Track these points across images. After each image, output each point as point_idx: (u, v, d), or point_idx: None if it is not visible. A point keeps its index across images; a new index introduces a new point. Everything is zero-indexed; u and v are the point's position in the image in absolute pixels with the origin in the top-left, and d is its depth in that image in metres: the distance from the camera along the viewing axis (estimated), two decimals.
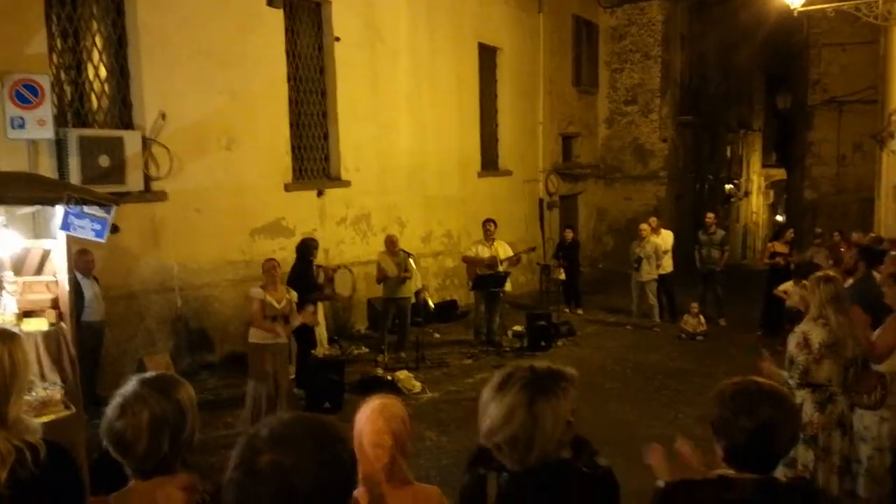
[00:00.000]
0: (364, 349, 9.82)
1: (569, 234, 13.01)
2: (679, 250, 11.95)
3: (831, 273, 4.47)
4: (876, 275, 6.12)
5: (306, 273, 8.10)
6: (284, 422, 1.30)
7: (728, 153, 23.88)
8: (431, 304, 10.57)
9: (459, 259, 11.15)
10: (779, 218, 30.08)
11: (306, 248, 8.18)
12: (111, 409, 1.86)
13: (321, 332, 9.28)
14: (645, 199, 17.74)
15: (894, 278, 4.84)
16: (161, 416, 1.83)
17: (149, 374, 1.96)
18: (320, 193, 10.20)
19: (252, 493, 1.23)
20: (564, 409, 1.91)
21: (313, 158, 10.32)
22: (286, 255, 8.99)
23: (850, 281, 6.38)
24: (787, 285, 9.87)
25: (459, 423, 7.01)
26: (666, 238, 11.80)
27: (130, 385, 1.89)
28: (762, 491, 2.03)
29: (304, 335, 8.10)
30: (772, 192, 31.68)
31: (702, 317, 11.05)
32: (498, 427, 1.90)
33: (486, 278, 9.82)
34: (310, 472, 1.24)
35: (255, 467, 1.23)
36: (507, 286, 10.18)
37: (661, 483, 2.19)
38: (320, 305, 8.90)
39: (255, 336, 6.58)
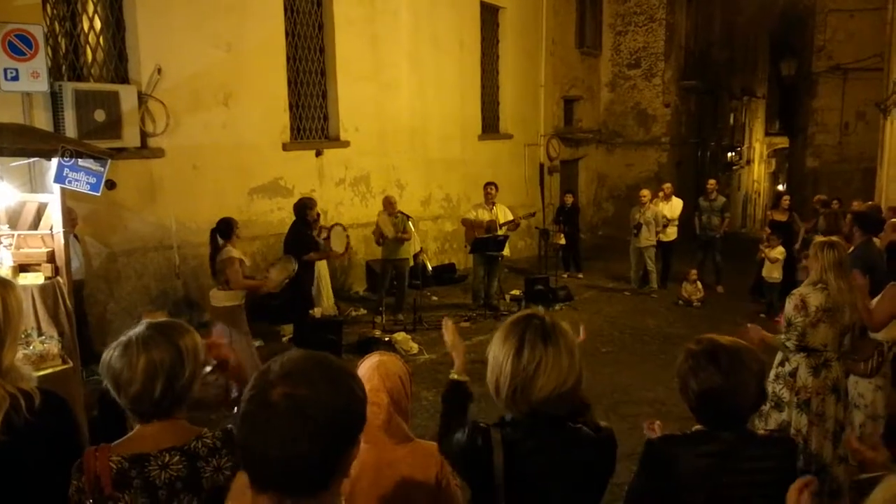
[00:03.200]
0: (362, 311, 9.84)
1: (569, 199, 12.96)
2: (679, 216, 11.91)
3: (835, 239, 4.44)
4: (876, 241, 6.09)
5: (304, 232, 8.08)
6: (295, 358, 1.31)
7: (731, 120, 23.69)
8: (430, 267, 10.58)
9: (459, 222, 11.10)
10: (780, 187, 29.98)
11: (303, 208, 8.13)
12: (113, 348, 1.89)
13: (326, 291, 9.30)
14: (646, 165, 17.62)
15: None
16: (158, 361, 1.85)
17: (158, 320, 1.98)
18: (319, 153, 10.11)
19: (266, 424, 1.23)
20: (574, 360, 1.92)
21: (312, 117, 10.20)
22: (284, 215, 8.96)
23: (850, 248, 6.34)
24: (777, 251, 9.93)
25: None
26: (675, 206, 11.75)
27: (138, 327, 1.92)
28: (742, 442, 2.13)
29: (302, 295, 8.10)
30: (774, 161, 31.54)
31: (699, 283, 11.07)
32: (505, 366, 1.92)
33: (484, 242, 9.79)
34: (323, 403, 1.25)
35: (268, 400, 1.24)
36: (506, 250, 10.17)
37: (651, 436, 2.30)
38: (322, 264, 8.88)
39: (232, 298, 6.31)
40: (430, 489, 2.30)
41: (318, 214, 8.54)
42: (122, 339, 1.90)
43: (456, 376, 2.28)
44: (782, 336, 4.27)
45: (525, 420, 1.95)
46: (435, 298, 10.82)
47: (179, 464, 1.87)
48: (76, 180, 4.44)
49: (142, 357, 1.85)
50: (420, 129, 11.90)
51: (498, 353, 1.97)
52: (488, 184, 10.23)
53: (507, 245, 10.11)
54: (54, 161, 4.44)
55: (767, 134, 29.41)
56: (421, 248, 10.41)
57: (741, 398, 2.11)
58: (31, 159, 5.03)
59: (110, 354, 1.88)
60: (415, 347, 8.18)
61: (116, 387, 1.87)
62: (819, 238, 4.66)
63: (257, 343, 7.90)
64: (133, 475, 1.83)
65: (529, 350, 1.91)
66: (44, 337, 4.47)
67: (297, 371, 1.27)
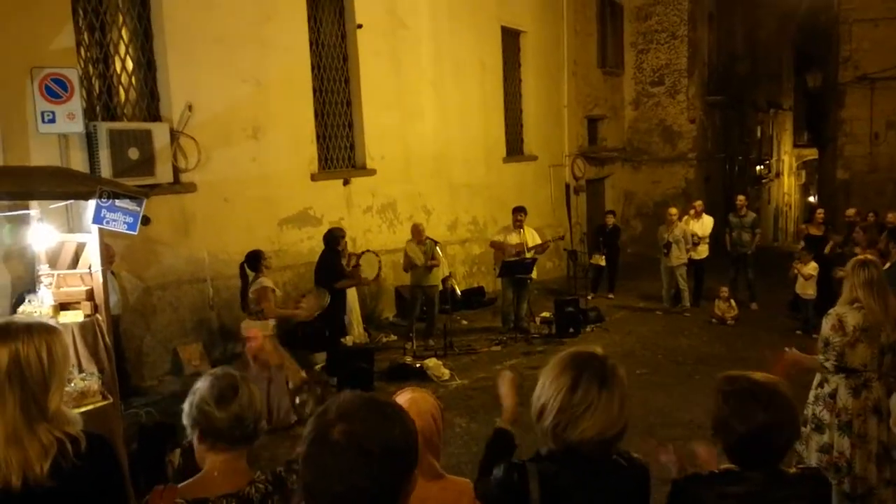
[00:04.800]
0: (393, 337, 9.87)
1: (610, 220, 12.94)
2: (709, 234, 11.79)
3: (870, 257, 4.37)
4: None
5: (334, 261, 8.16)
6: (347, 399, 1.38)
7: (758, 133, 23.46)
8: (459, 291, 10.57)
9: (486, 246, 11.13)
10: (811, 199, 29.53)
11: (333, 238, 8.24)
12: (213, 376, 2.05)
13: (356, 318, 9.37)
14: (673, 182, 17.51)
15: None
16: (255, 396, 2.07)
17: (218, 369, 2.14)
18: (346, 182, 10.23)
19: (330, 463, 1.30)
20: (623, 410, 1.93)
21: (338, 147, 10.34)
22: (314, 244, 9.06)
23: (886, 265, 6.23)
24: (811, 267, 9.79)
25: (489, 409, 7.00)
26: (706, 224, 11.61)
27: (223, 373, 2.09)
28: (771, 483, 2.05)
29: (335, 323, 8.17)
30: (803, 173, 31.12)
31: (733, 301, 10.91)
32: (555, 399, 1.92)
33: (512, 265, 9.78)
34: (381, 436, 1.32)
35: (329, 439, 1.31)
36: (533, 273, 10.14)
37: (675, 476, 2.23)
38: (352, 292, 8.96)
39: (263, 328, 6.54)
40: None
41: (346, 243, 8.63)
42: (217, 371, 2.08)
43: (502, 425, 2.28)
44: (820, 356, 4.20)
45: (561, 454, 1.95)
46: (465, 323, 10.81)
47: None
48: (114, 220, 4.55)
49: (245, 389, 2.03)
50: (445, 155, 11.99)
51: (550, 383, 1.96)
52: (517, 209, 10.21)
53: (534, 267, 10.09)
54: (92, 202, 4.56)
55: (796, 146, 29.07)
56: (449, 273, 10.43)
57: (785, 436, 2.08)
58: (70, 201, 5.17)
59: (214, 383, 2.03)
60: (446, 373, 8.16)
61: (218, 402, 1.99)
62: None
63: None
64: None
65: (583, 391, 1.89)
66: (84, 374, 4.56)
67: (353, 410, 1.35)
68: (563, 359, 2.00)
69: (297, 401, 6.48)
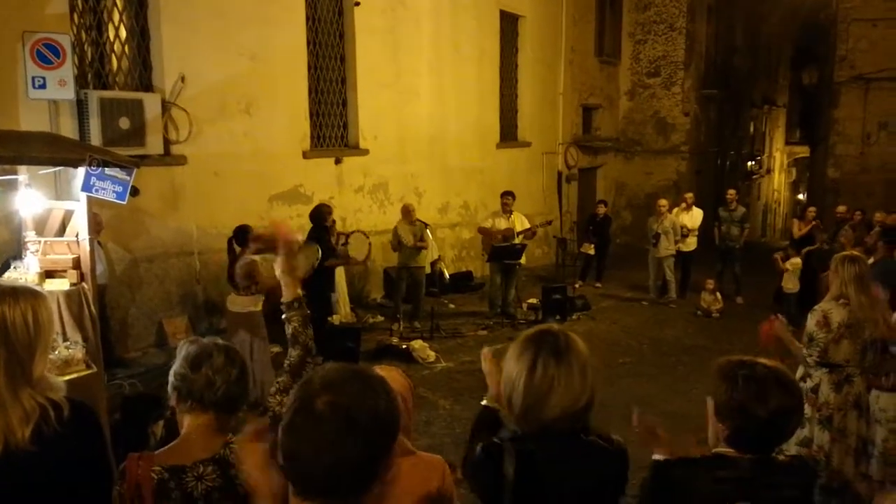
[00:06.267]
0: (380, 318, 9.87)
1: (601, 209, 12.94)
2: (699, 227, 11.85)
3: (856, 253, 4.41)
4: None
5: (321, 239, 8.13)
6: (333, 369, 1.39)
7: (751, 129, 23.54)
8: (447, 274, 10.58)
9: (476, 230, 11.14)
10: (800, 196, 29.69)
11: (319, 214, 8.19)
12: (195, 343, 2.09)
13: (343, 298, 9.34)
14: (665, 174, 17.55)
15: None
16: (240, 365, 2.13)
17: (209, 341, 2.16)
18: (338, 161, 10.18)
19: (313, 433, 1.30)
20: (586, 380, 1.93)
21: (332, 125, 10.27)
22: (303, 221, 8.99)
23: (870, 260, 6.29)
24: (791, 262, 9.89)
25: (473, 392, 7.04)
26: (695, 216, 11.67)
27: (204, 340, 2.13)
28: (760, 469, 2.05)
29: (321, 302, 8.14)
30: (794, 170, 31.26)
31: (718, 294, 10.99)
32: (518, 383, 1.93)
33: (501, 250, 9.79)
34: (365, 407, 1.32)
35: (314, 409, 1.30)
36: (522, 259, 10.16)
37: (657, 457, 2.20)
38: (340, 271, 8.92)
39: (250, 304, 6.41)
40: (432, 500, 2.30)
41: (334, 221, 8.59)
42: (205, 341, 2.10)
43: (488, 403, 2.29)
44: (804, 351, 4.24)
45: (537, 434, 1.97)
46: (452, 306, 10.83)
47: (213, 474, 1.96)
48: (103, 189, 4.52)
49: (220, 356, 2.07)
50: (439, 137, 11.94)
51: (511, 369, 1.98)
52: (505, 193, 10.22)
53: (524, 253, 10.10)
54: (81, 169, 4.51)
55: (788, 143, 29.18)
56: (438, 256, 10.43)
57: (797, 419, 2.10)
58: (59, 167, 5.11)
59: (191, 348, 2.07)
60: (432, 355, 8.19)
61: (192, 365, 2.02)
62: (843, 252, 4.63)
63: (276, 349, 7.97)
64: (172, 486, 1.91)
65: (542, 369, 1.91)
66: (69, 342, 4.53)
67: (338, 380, 1.35)
68: (518, 343, 2.02)
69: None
